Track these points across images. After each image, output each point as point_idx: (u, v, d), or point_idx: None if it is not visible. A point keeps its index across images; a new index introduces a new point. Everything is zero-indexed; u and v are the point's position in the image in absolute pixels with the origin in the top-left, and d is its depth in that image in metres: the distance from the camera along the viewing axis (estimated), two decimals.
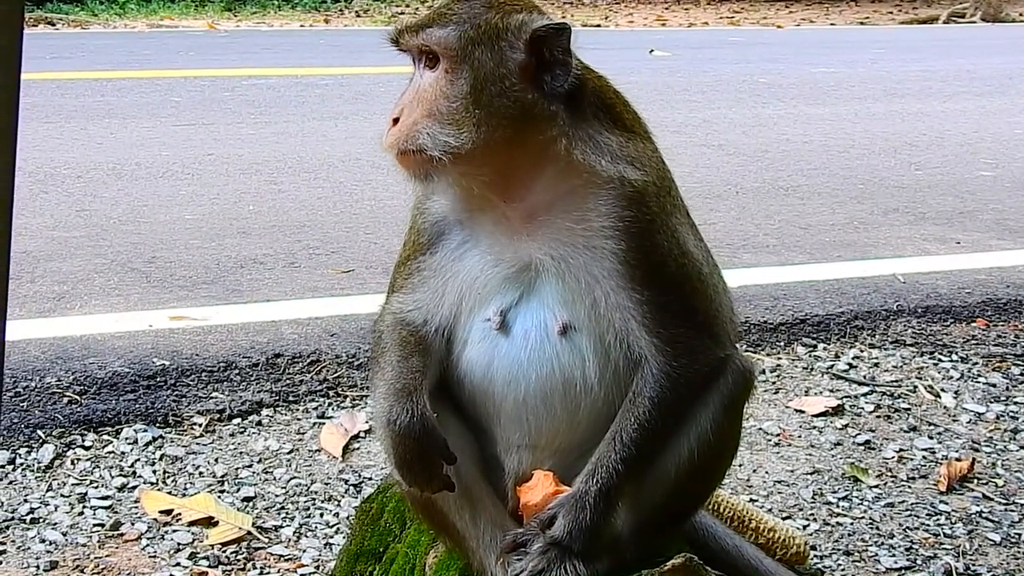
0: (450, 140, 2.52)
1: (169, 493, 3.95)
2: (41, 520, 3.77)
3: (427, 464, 2.56)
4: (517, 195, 2.59)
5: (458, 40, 2.57)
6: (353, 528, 3.09)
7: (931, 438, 4.54)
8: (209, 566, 3.58)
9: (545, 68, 2.59)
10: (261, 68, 13.09)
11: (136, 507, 3.86)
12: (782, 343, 5.38)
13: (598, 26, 20.90)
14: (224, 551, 3.65)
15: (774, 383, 4.96)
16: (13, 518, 3.76)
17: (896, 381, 5.03)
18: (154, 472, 4.09)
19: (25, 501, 3.86)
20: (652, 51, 15.85)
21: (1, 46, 1.30)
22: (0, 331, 1.48)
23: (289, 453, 4.26)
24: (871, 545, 3.80)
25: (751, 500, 3.94)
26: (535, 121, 2.57)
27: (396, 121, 2.57)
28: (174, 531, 3.74)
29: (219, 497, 3.93)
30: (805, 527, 3.85)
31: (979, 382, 5.06)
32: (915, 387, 4.98)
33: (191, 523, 3.78)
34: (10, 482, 3.97)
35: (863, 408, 4.77)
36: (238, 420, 4.47)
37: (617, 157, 2.66)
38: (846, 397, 4.85)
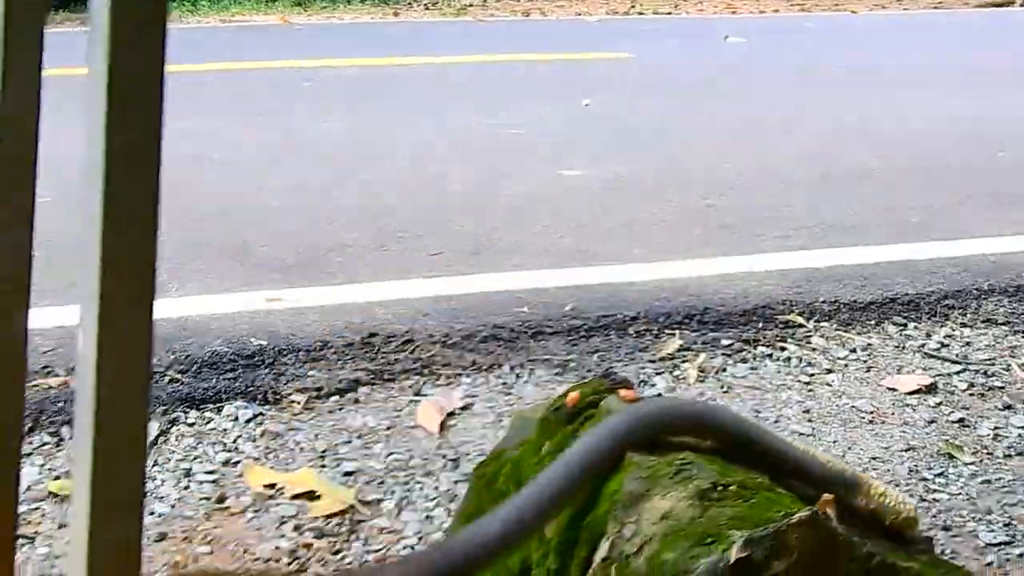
0: None
1: (271, 468, 4.03)
2: (149, 493, 3.86)
3: None
4: None
5: None
6: (469, 491, 3.14)
7: None
8: (314, 537, 3.65)
9: None
10: (339, 59, 13.21)
11: (240, 481, 3.94)
12: (873, 322, 5.37)
13: (668, 13, 20.80)
14: (328, 523, 3.72)
15: (866, 361, 4.95)
16: None
17: (989, 360, 4.99)
18: (256, 448, 4.17)
19: None
20: (727, 37, 15.78)
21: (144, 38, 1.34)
22: (148, 328, 1.50)
23: (387, 429, 4.32)
24: (969, 521, 3.79)
25: None
26: None
27: None
28: (278, 504, 3.81)
29: (320, 471, 4.00)
30: None
31: None
32: (1009, 366, 4.94)
33: (294, 497, 3.85)
34: None
35: (956, 386, 4.74)
36: (336, 397, 4.54)
37: None
38: (939, 376, 4.83)
